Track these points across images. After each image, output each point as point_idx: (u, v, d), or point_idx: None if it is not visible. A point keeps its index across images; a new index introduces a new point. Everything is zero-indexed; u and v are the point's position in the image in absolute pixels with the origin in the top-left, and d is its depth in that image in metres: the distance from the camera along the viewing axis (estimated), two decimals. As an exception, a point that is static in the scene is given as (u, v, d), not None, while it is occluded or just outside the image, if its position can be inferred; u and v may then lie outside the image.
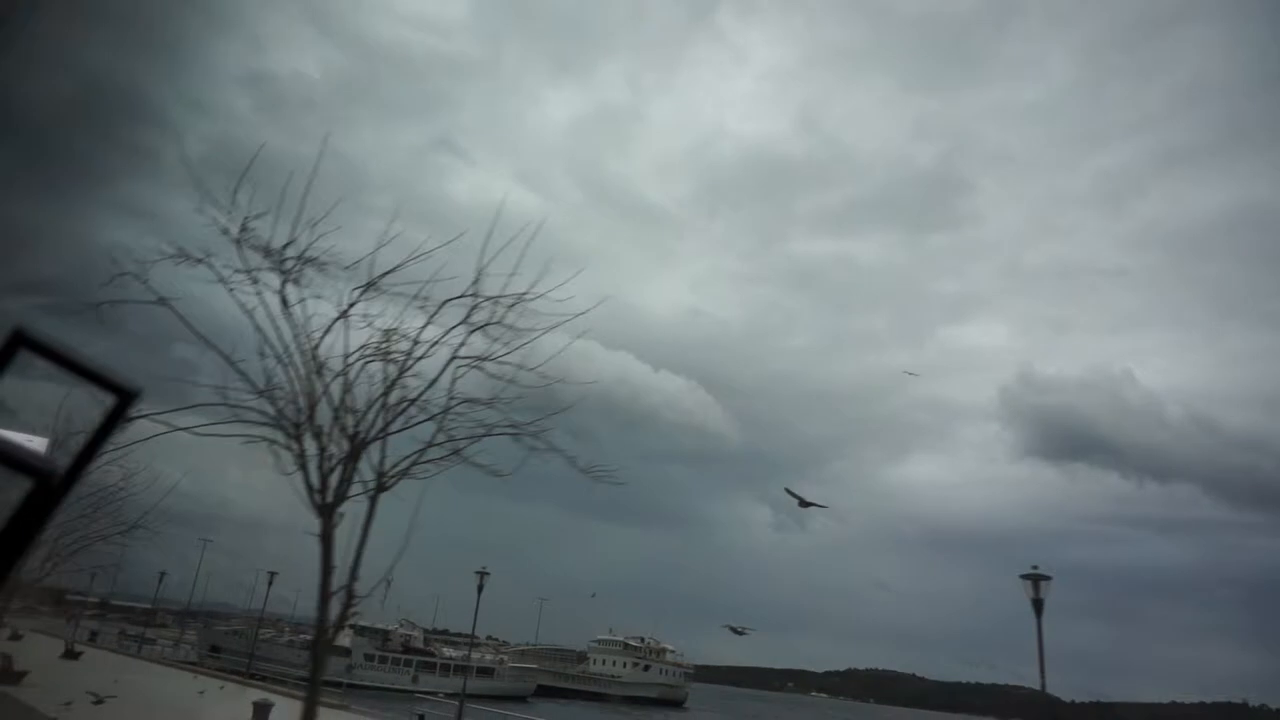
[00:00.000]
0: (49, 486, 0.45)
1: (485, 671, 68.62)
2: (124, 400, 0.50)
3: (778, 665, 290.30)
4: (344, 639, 63.65)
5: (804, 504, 37.56)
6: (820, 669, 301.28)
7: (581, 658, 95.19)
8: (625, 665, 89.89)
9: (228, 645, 58.22)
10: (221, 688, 26.71)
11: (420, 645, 68.73)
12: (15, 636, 42.47)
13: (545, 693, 73.30)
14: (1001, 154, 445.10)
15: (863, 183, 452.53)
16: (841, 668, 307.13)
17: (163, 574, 55.63)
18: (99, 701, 18.90)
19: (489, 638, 78.80)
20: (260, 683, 33.51)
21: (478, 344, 7.10)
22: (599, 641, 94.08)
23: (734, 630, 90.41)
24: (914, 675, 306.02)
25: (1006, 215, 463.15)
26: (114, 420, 0.50)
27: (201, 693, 24.91)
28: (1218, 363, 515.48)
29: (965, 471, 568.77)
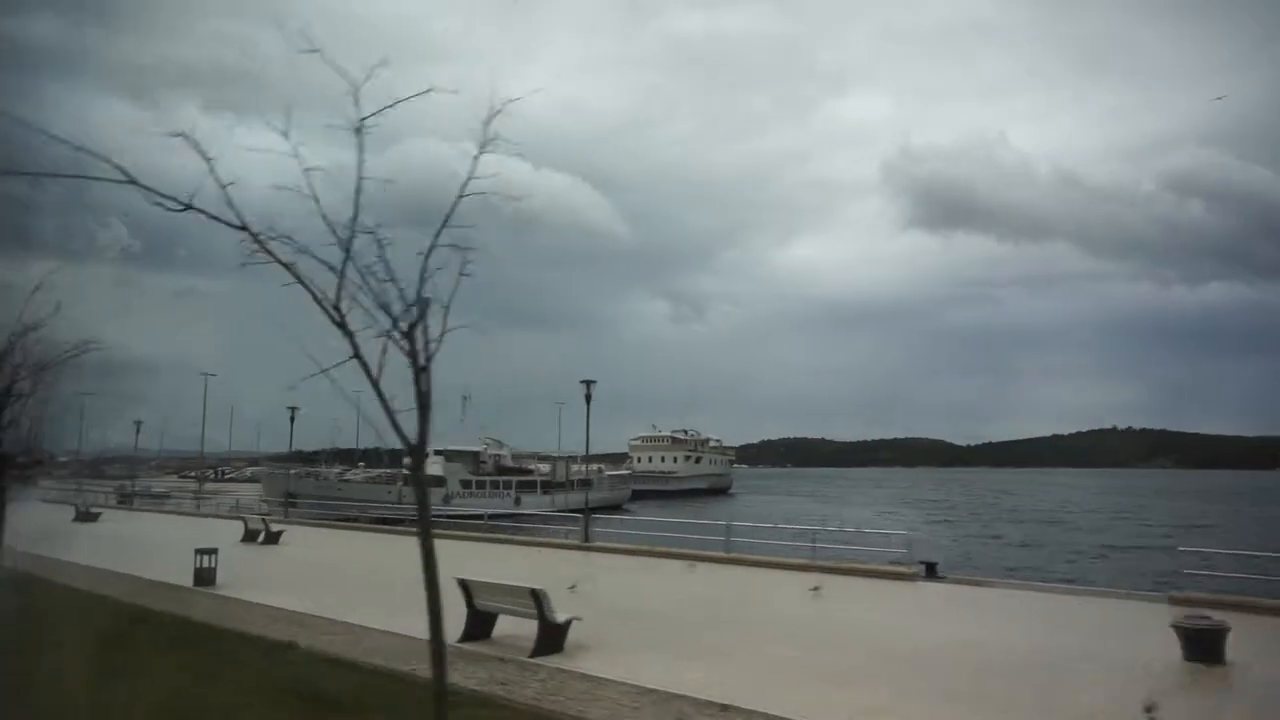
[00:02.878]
0: None
1: (584, 484, 60.43)
2: None
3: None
4: (435, 467, 52.36)
5: None
6: (737, 444, 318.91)
7: (622, 458, 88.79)
8: (677, 459, 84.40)
9: (302, 490, 46.04)
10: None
11: (510, 464, 58.59)
12: (87, 516, 28.21)
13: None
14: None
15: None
16: (755, 440, 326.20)
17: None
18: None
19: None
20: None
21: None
22: (643, 439, 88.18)
23: None
24: (823, 439, 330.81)
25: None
26: None
27: (816, 588, 13.59)
28: (1081, 120, 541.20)
29: (852, 249, 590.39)
